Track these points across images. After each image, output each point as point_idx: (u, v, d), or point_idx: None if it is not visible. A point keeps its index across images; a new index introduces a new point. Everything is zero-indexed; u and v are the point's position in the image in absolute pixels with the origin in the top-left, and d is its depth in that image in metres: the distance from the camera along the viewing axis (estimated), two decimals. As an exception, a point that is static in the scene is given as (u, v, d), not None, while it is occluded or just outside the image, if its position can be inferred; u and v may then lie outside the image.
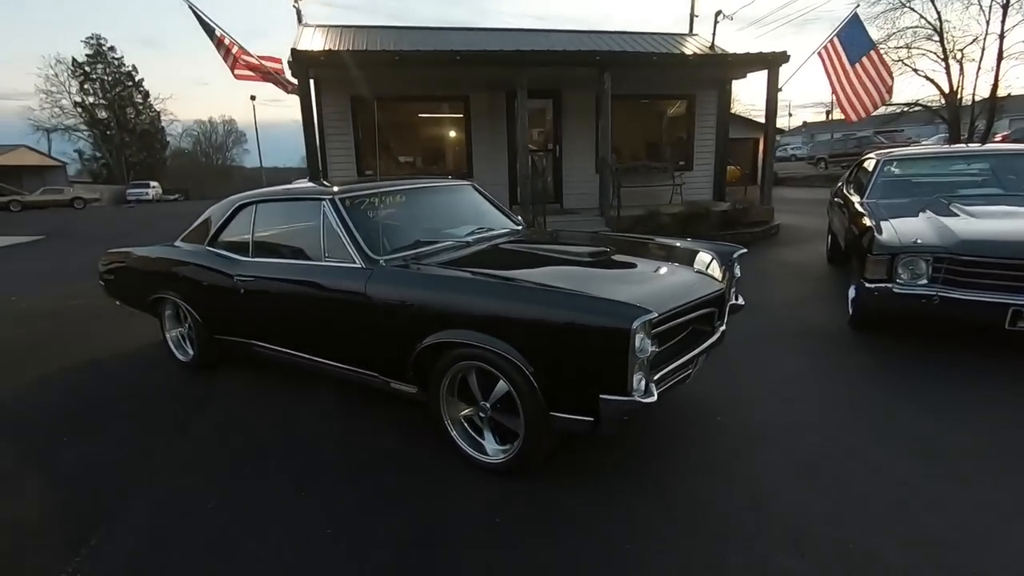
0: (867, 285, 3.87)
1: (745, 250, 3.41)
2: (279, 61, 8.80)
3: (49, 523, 2.41)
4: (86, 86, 46.04)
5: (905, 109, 23.04)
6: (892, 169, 5.37)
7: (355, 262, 2.92)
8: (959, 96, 21.01)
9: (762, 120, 11.24)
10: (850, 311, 4.47)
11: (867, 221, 4.33)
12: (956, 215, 4.10)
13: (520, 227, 3.88)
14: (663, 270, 2.91)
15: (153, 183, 39.06)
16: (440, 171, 10.51)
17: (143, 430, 3.24)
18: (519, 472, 2.50)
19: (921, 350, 3.92)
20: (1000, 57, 19.22)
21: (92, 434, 3.20)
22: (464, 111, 10.08)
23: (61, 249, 12.36)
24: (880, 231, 4.03)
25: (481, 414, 2.64)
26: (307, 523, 2.31)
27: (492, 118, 10.04)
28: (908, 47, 21.49)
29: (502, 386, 2.45)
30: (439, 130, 10.87)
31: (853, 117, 8.62)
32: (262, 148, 41.76)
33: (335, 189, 3.26)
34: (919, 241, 3.75)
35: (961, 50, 20.20)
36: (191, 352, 4.09)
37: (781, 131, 27.32)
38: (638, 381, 2.11)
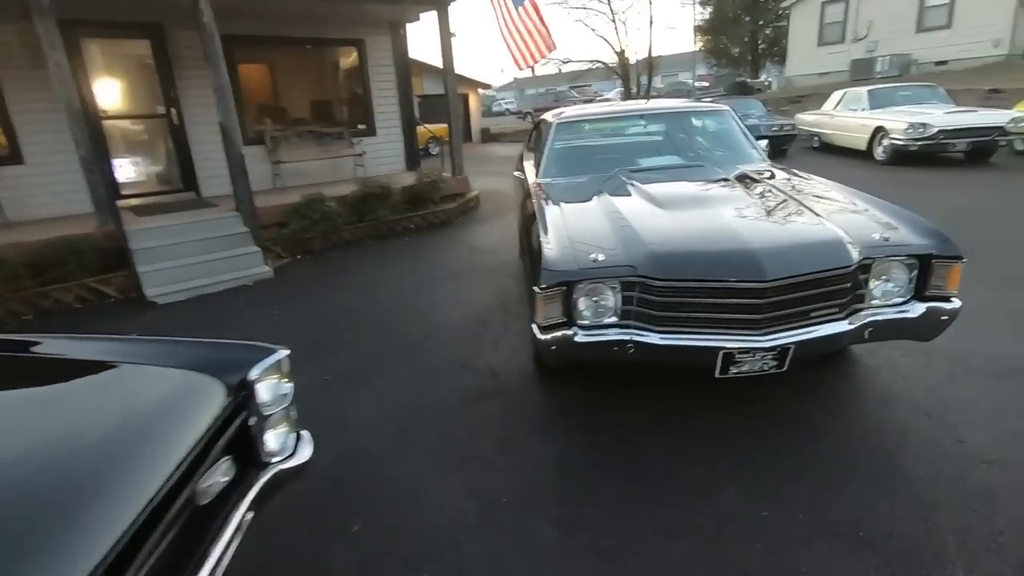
0: (541, 337, 2.40)
1: (285, 353, 1.53)
2: None
3: None
4: None
5: (591, 66, 25.27)
6: (567, 134, 4.14)
7: None
8: (626, 55, 23.73)
9: (471, 75, 10.35)
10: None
11: (537, 226, 2.88)
12: (644, 206, 2.91)
13: None
14: None
15: None
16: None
17: None
18: None
19: (628, 407, 2.70)
20: (651, 22, 22.18)
21: None
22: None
23: None
24: (549, 243, 2.59)
25: None
26: None
27: (32, 59, 6.07)
28: (585, 8, 23.60)
29: None
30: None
31: (522, 64, 8.43)
32: None
33: None
34: (599, 258, 2.39)
35: (624, 12, 22.51)
36: None
37: (489, 86, 27.39)
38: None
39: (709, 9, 29.15)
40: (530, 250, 2.87)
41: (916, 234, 2.38)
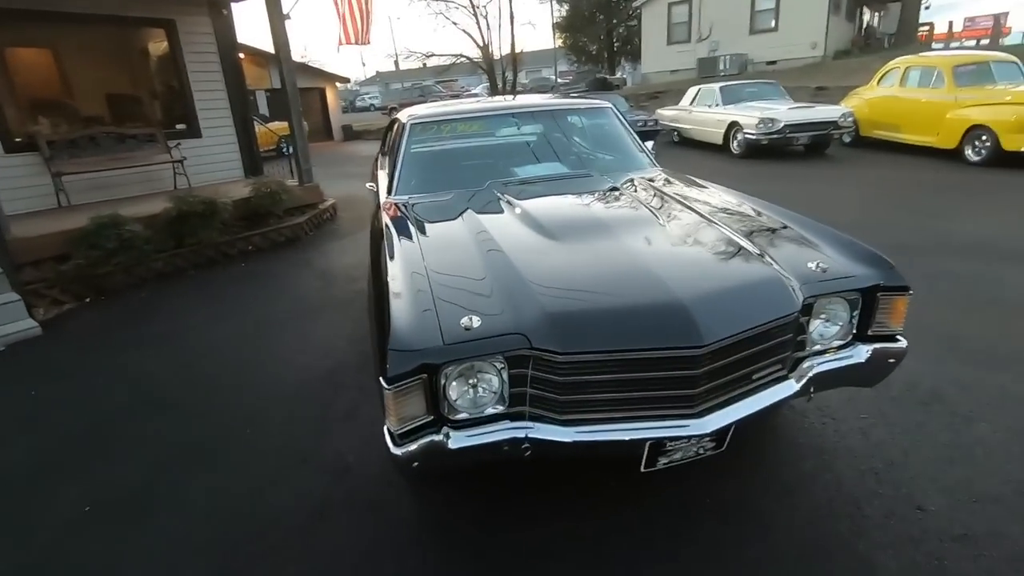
0: (396, 452, 1.62)
1: None
2: None
3: None
4: None
5: (455, 60, 24.57)
6: (423, 139, 3.35)
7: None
8: (490, 50, 23.41)
9: (327, 67, 10.51)
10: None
11: (385, 269, 2.08)
12: (530, 238, 2.21)
13: None
14: None
15: None
16: None
17: None
18: None
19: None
20: (512, 18, 22.10)
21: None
22: None
23: None
24: (400, 301, 1.80)
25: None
26: None
27: None
28: (445, 0, 22.80)
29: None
30: None
31: (343, 39, 8.72)
32: None
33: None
34: (473, 324, 1.65)
35: (485, 6, 22.11)
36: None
37: (347, 80, 25.52)
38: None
39: (566, 7, 29.76)
40: (378, 303, 2.03)
41: (856, 262, 1.95)
